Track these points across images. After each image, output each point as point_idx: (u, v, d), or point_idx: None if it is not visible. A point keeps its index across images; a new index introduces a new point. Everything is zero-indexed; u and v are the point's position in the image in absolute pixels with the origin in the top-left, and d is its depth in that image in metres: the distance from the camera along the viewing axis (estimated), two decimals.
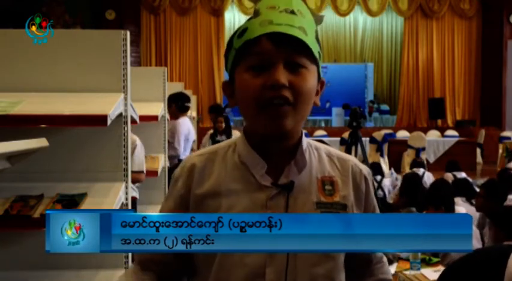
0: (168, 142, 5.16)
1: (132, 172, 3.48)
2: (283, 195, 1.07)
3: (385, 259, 1.24)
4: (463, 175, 6.19)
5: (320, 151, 1.16)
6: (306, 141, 1.14)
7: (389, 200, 5.86)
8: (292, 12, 1.04)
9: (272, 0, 1.06)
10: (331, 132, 11.27)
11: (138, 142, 3.56)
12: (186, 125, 5.56)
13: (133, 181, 3.45)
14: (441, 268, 3.16)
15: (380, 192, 6.42)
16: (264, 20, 1.03)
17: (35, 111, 1.82)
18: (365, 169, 1.17)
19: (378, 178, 6.60)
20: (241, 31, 1.06)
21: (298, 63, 1.03)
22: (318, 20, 1.11)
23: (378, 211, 1.19)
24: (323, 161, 1.14)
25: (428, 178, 6.56)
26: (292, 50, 1.02)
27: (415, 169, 6.94)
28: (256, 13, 1.06)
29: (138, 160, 3.52)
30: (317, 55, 1.06)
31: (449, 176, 6.11)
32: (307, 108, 1.07)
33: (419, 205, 4.36)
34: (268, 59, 1.02)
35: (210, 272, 1.09)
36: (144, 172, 3.58)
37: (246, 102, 1.05)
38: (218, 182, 1.11)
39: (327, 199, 1.10)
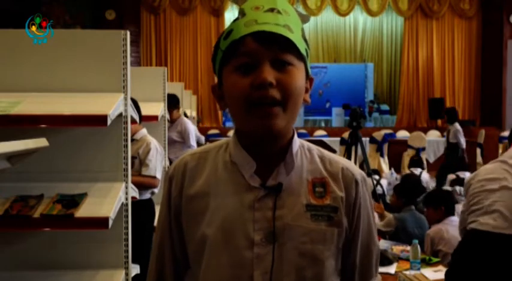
0: (177, 142, 5.13)
1: (144, 175, 3.46)
2: (271, 197, 1.06)
3: (376, 278, 1.19)
4: (467, 174, 6.17)
5: (312, 152, 1.14)
6: (298, 142, 1.12)
7: (388, 201, 5.86)
8: (277, 11, 1.03)
9: (256, 1, 1.05)
10: (331, 132, 11.26)
11: (153, 145, 3.47)
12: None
13: (144, 186, 3.41)
14: (441, 268, 3.16)
15: (379, 188, 6.42)
16: (249, 20, 1.02)
17: (35, 111, 1.82)
18: (358, 174, 1.13)
19: (376, 177, 6.61)
20: (227, 33, 1.05)
21: (285, 61, 1.02)
22: (304, 19, 1.10)
23: (369, 219, 1.15)
24: (315, 162, 1.13)
25: (425, 178, 6.55)
26: (278, 48, 1.01)
27: (412, 169, 6.94)
28: (241, 14, 1.05)
29: (151, 164, 3.43)
30: (304, 52, 1.05)
31: (451, 177, 6.11)
32: (297, 106, 1.05)
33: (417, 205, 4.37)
34: (255, 58, 1.01)
35: (199, 272, 1.10)
36: (158, 177, 3.49)
37: (235, 103, 1.05)
38: (208, 182, 1.11)
39: (317, 201, 1.08)
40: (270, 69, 1.01)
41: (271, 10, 1.02)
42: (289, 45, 1.01)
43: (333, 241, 1.08)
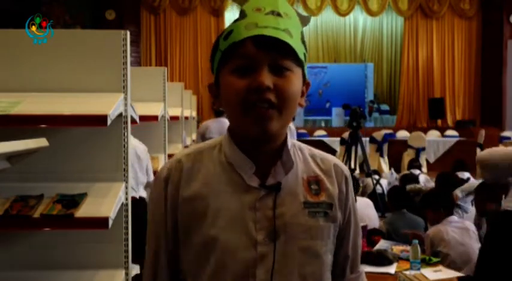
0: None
1: None
2: (271, 196, 1.07)
3: (361, 269, 1.24)
4: (466, 175, 6.17)
5: (303, 151, 1.16)
6: (290, 141, 1.14)
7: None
8: (278, 14, 1.03)
9: (258, 2, 1.05)
10: (331, 132, 11.26)
11: (139, 148, 3.43)
12: (204, 126, 5.36)
13: None
14: (441, 268, 3.16)
15: (379, 187, 6.42)
16: (250, 22, 1.02)
17: (35, 111, 1.82)
18: (346, 170, 1.18)
19: (376, 177, 6.60)
20: (227, 33, 1.05)
21: (283, 66, 1.03)
22: (305, 21, 1.11)
23: (355, 213, 1.19)
24: (307, 161, 1.15)
25: (426, 180, 6.53)
26: (277, 53, 1.02)
27: (412, 170, 6.94)
28: (242, 15, 1.05)
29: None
30: (302, 57, 1.06)
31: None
32: (292, 110, 1.06)
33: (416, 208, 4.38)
34: (253, 61, 1.02)
35: (202, 274, 1.09)
36: None
37: (230, 105, 1.05)
38: (205, 183, 1.10)
39: (313, 198, 1.11)
40: (267, 73, 1.01)
41: (272, 13, 1.03)
42: (288, 51, 1.02)
43: (329, 236, 1.12)
